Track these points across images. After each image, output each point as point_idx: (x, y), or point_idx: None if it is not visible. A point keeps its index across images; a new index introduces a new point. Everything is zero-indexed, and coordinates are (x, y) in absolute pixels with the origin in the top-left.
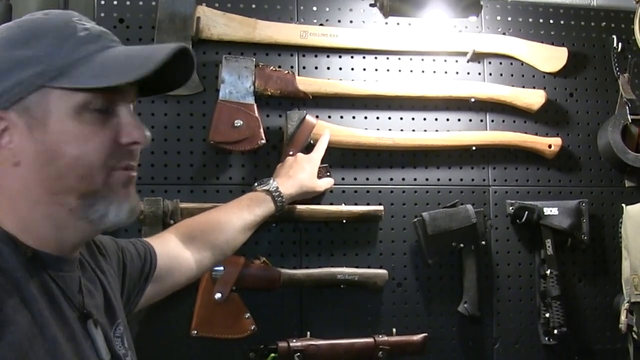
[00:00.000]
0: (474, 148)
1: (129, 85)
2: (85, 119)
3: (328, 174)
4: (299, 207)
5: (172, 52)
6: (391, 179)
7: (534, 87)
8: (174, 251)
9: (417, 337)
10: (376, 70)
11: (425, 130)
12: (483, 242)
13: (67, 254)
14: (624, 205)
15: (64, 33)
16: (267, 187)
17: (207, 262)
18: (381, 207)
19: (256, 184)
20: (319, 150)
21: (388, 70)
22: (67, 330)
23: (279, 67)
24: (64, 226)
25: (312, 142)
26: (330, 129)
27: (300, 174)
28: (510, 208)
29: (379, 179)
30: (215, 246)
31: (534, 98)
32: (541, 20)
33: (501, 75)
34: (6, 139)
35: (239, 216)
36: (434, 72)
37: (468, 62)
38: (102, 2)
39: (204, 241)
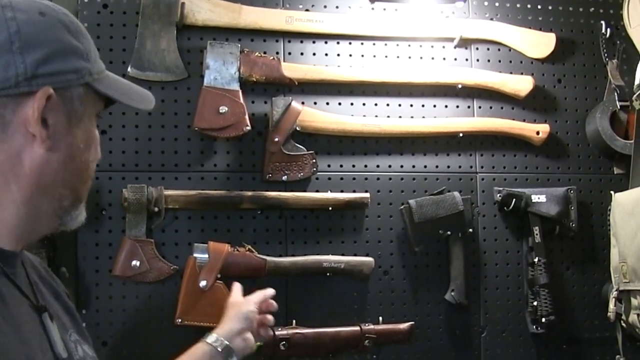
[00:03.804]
0: (461, 135)
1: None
2: (96, 128)
3: (314, 160)
4: (284, 194)
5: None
6: (377, 166)
7: (522, 73)
8: None
9: (404, 326)
10: (362, 56)
11: (411, 117)
12: (470, 230)
13: (19, 249)
14: (612, 192)
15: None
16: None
17: None
18: (367, 195)
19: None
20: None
21: (374, 56)
22: (20, 330)
23: (264, 53)
24: (42, 221)
25: (297, 128)
26: (316, 116)
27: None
28: (498, 195)
29: (365, 166)
30: None
31: (521, 84)
32: (529, 6)
33: (489, 61)
34: (52, 120)
35: None
36: (421, 58)
37: (455, 48)
38: None
39: None
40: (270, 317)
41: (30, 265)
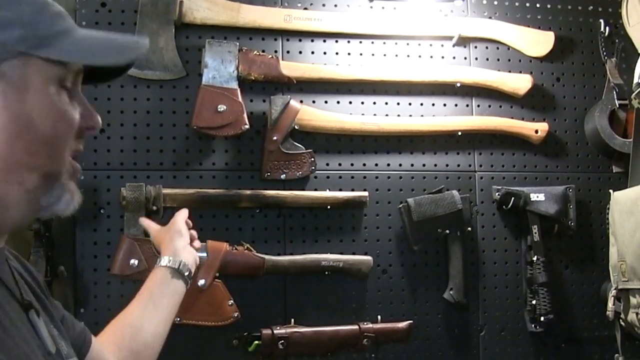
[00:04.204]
0: (459, 133)
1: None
2: (60, 96)
3: (312, 159)
4: (283, 192)
5: (144, 46)
6: (376, 165)
7: (521, 72)
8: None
9: (402, 325)
10: (361, 54)
11: (410, 116)
12: (469, 229)
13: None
14: (611, 191)
15: (40, 2)
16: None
17: None
18: (366, 193)
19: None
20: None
21: (373, 54)
22: (17, 327)
23: (263, 51)
24: (12, 207)
25: (296, 127)
26: (314, 114)
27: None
28: (497, 194)
29: (364, 165)
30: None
31: (520, 83)
32: (527, 4)
33: (487, 59)
34: None
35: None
36: (419, 56)
37: (454, 46)
38: None
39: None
40: (193, 232)
41: (13, 256)
